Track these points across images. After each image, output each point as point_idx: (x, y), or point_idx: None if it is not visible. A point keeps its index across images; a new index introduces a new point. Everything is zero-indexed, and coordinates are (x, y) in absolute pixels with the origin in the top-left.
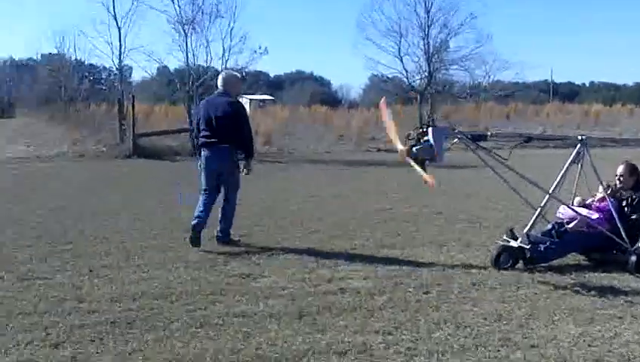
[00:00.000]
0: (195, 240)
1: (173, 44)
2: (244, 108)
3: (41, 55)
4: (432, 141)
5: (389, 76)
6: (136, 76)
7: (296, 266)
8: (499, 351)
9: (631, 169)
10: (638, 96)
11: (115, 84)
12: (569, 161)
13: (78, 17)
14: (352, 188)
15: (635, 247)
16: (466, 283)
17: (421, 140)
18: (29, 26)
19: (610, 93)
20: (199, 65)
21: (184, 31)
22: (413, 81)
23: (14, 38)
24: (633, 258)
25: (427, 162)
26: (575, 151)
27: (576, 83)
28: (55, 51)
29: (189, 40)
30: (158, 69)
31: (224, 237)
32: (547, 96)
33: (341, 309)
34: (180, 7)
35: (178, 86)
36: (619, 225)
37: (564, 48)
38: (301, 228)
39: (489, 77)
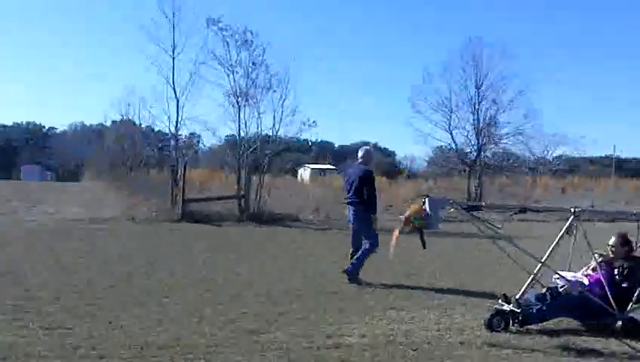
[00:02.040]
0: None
1: (227, 114)
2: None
3: (112, 121)
4: (428, 210)
5: (451, 147)
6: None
7: (302, 323)
8: None
9: (622, 240)
10: None
11: (171, 151)
12: (562, 231)
13: (145, 87)
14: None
15: (623, 314)
16: (455, 343)
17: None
18: (102, 93)
19: None
20: (250, 136)
21: (237, 103)
22: (464, 155)
23: (87, 104)
24: (619, 323)
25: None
26: (567, 223)
27: None
28: (119, 118)
29: (241, 111)
30: (225, 136)
31: (349, 271)
32: (612, 171)
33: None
34: (234, 80)
35: (228, 153)
36: (608, 292)
37: (632, 124)
38: (321, 289)
39: (547, 151)
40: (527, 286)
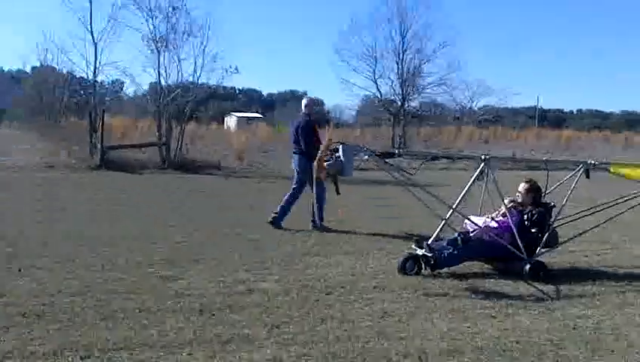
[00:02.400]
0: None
1: (147, 61)
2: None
3: (31, 67)
4: (342, 157)
5: (376, 97)
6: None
7: (217, 270)
8: (368, 341)
9: (530, 186)
10: (623, 124)
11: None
12: (472, 178)
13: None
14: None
15: (531, 258)
16: (369, 287)
17: (333, 156)
18: (20, 38)
19: (596, 121)
20: (171, 83)
21: (157, 49)
22: (389, 104)
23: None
24: (527, 266)
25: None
26: (479, 170)
27: (565, 110)
28: (38, 63)
29: (161, 57)
30: (150, 84)
31: (315, 222)
32: (535, 122)
33: (241, 307)
34: (154, 25)
35: (149, 101)
36: (517, 237)
37: (555, 76)
38: (238, 237)
39: (472, 101)
40: (439, 231)
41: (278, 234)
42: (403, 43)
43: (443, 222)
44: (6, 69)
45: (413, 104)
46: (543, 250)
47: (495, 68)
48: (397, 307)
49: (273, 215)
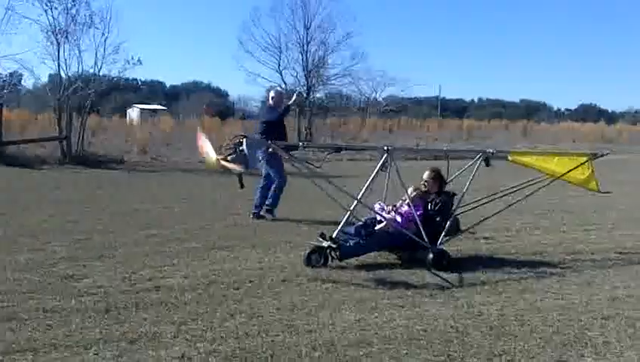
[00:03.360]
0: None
1: (46, 53)
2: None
3: None
4: (245, 150)
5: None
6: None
7: (122, 267)
8: (278, 335)
9: (434, 174)
10: (523, 112)
11: None
12: (376, 169)
13: None
14: (200, 193)
15: (434, 246)
16: (277, 280)
17: (237, 150)
18: None
19: (497, 110)
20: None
21: (57, 40)
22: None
23: None
24: (430, 255)
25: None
26: (382, 160)
27: (466, 100)
28: None
29: (61, 49)
30: (49, 75)
31: (268, 208)
32: (438, 112)
33: (148, 304)
34: (53, 17)
35: (49, 94)
36: (420, 227)
37: (456, 66)
38: (142, 232)
39: (376, 92)
40: (344, 223)
41: (182, 229)
42: (307, 34)
43: (347, 213)
44: None
45: (318, 95)
46: (445, 239)
47: (397, 58)
48: (305, 300)
49: (267, 207)
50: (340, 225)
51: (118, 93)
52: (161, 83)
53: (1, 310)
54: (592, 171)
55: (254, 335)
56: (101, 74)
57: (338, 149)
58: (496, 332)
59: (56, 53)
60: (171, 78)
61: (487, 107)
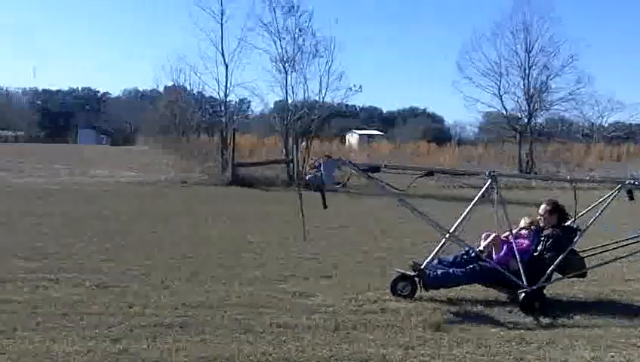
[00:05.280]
0: None
1: (274, 81)
2: None
3: (164, 87)
4: (322, 171)
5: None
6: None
7: (348, 287)
8: None
9: (552, 208)
10: None
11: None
12: (477, 196)
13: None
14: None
15: (530, 287)
16: (504, 311)
17: (314, 172)
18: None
19: None
20: (297, 102)
21: (284, 69)
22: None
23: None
24: (522, 295)
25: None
26: (485, 187)
27: None
28: (170, 83)
29: (288, 77)
30: (275, 102)
31: None
32: None
33: (375, 326)
34: (281, 46)
35: (276, 119)
36: (518, 263)
37: None
38: (365, 255)
39: (602, 117)
40: (435, 255)
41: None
42: (528, 58)
43: (438, 247)
44: (141, 89)
45: (539, 120)
46: (557, 277)
47: (626, 82)
48: (535, 333)
49: None
50: (430, 257)
51: (339, 118)
52: (376, 108)
53: (238, 322)
54: None
55: None
56: (324, 100)
57: (430, 173)
58: None
59: (284, 81)
60: (387, 104)
61: None
